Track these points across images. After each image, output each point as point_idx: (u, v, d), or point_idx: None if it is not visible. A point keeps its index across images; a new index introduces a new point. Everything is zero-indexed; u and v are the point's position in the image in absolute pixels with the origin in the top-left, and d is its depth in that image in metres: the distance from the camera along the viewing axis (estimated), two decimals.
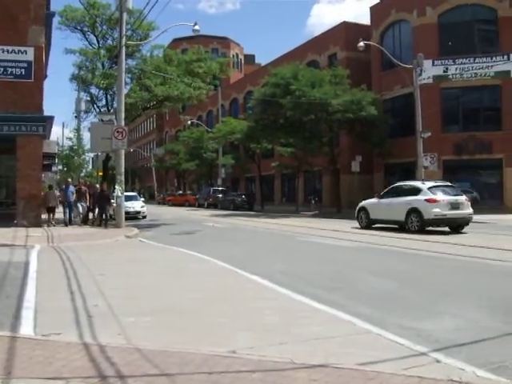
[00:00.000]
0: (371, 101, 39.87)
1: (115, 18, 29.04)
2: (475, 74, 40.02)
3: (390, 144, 41.19)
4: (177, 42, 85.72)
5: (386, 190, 27.59)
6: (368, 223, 26.38)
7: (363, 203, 27.36)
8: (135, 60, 33.20)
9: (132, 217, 34.73)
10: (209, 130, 68.66)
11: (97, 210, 28.69)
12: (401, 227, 24.40)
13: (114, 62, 30.73)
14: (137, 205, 37.49)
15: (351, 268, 12.86)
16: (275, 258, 15.02)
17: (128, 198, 32.54)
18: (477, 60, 40.08)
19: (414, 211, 23.44)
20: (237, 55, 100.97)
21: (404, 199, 24.35)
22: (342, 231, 24.31)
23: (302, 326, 7.06)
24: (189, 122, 73.93)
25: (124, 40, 26.34)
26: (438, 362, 5.68)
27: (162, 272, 12.27)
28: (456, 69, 40.36)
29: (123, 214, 26.01)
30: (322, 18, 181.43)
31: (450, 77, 40.61)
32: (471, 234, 22.49)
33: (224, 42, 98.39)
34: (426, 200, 23.20)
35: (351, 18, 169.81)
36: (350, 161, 44.02)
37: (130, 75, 32.68)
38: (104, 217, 27.02)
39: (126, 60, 27.97)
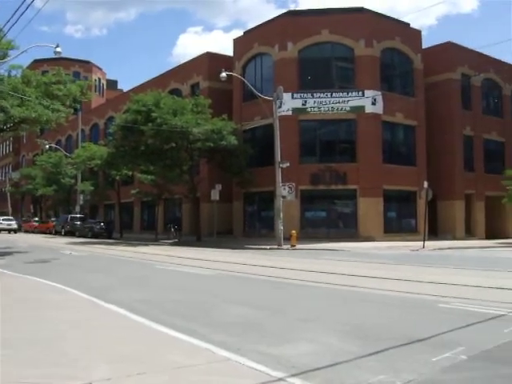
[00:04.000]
0: (232, 130, 40.56)
1: None
2: (332, 108, 41.69)
3: (250, 173, 41.96)
4: (37, 63, 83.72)
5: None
6: None
7: None
8: None
9: None
10: (68, 154, 66.95)
11: None
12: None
13: None
14: None
15: (210, 296, 12.87)
16: (132, 286, 14.81)
17: None
18: (334, 95, 41.78)
19: (13, 229, 63.35)
20: (99, 80, 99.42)
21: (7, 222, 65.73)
22: (201, 259, 24.31)
23: (161, 356, 6.95)
24: (47, 147, 71.76)
25: None
26: None
27: (14, 303, 11.63)
28: (314, 102, 41.83)
29: None
30: (188, 48, 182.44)
31: (309, 110, 42.02)
32: (325, 260, 23.18)
33: (86, 65, 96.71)
34: None
35: (218, 49, 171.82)
36: (209, 189, 44.20)
37: None
38: None
39: None
